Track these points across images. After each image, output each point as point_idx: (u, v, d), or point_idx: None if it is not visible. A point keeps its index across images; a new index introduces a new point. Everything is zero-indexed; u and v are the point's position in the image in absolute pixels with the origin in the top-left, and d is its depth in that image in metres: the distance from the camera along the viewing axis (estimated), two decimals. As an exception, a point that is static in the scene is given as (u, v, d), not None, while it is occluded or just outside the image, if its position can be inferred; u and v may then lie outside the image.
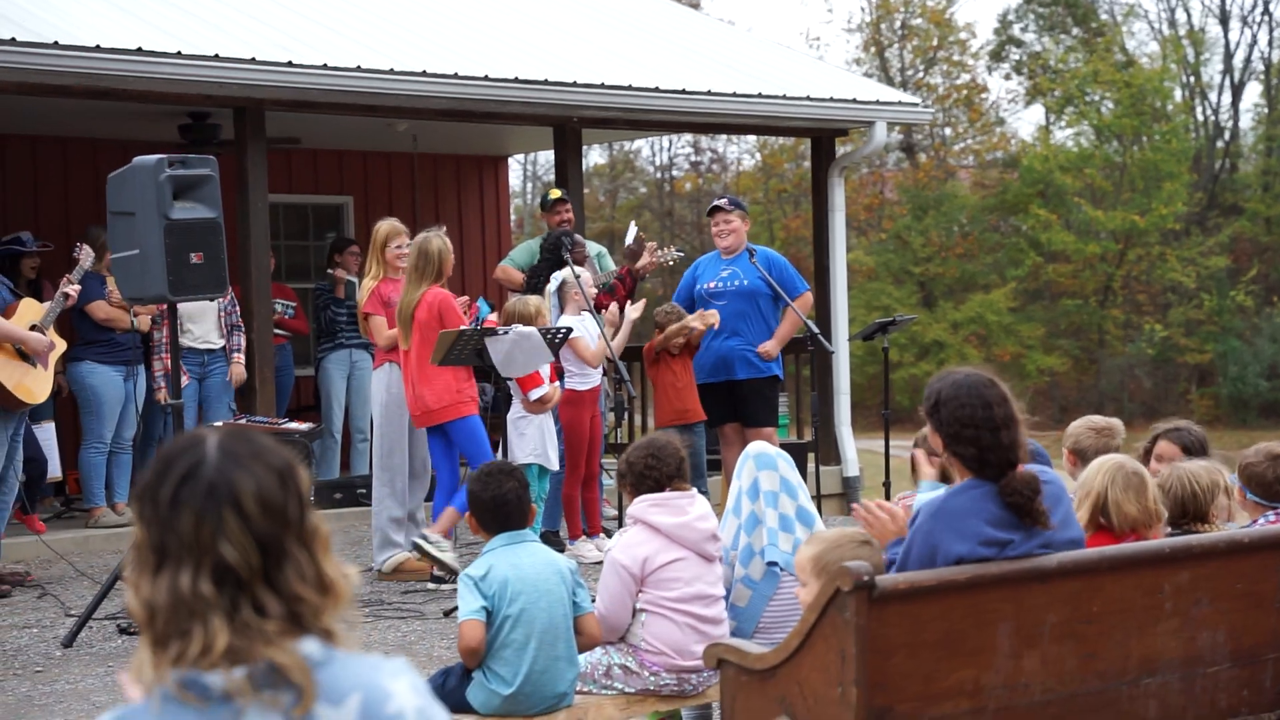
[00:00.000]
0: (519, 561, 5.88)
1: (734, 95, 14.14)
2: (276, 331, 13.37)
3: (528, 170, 42.19)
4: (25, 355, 10.36)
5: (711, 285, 11.62)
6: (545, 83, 13.24)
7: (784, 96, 14.39)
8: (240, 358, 12.43)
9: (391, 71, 12.57)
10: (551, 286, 11.17)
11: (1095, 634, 5.11)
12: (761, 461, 6.47)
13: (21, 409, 10.39)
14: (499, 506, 5.98)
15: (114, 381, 11.98)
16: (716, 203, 11.85)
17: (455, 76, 12.83)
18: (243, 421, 10.00)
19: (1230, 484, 6.20)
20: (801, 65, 16.67)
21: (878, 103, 14.93)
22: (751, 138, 38.97)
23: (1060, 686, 5.06)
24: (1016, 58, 43.00)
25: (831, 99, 14.63)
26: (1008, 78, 44.27)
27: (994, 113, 42.68)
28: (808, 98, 14.50)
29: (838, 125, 15.02)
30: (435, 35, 14.22)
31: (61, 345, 10.92)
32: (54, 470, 12.16)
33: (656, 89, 13.81)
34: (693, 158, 43.94)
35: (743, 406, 11.57)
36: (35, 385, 10.42)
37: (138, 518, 2.48)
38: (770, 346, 11.59)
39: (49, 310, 10.65)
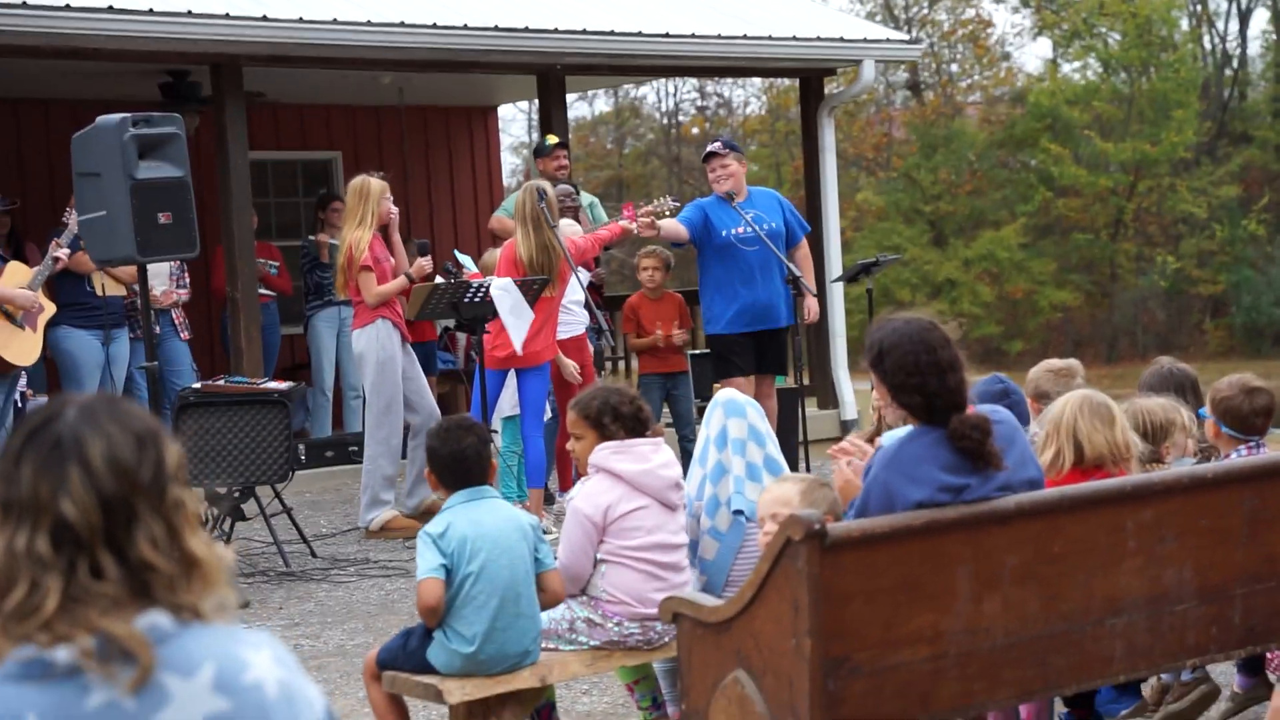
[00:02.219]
0: (479, 518, 5.77)
1: (719, 37, 13.99)
2: (261, 291, 13.26)
3: (532, 120, 41.96)
4: (12, 318, 10.29)
5: (740, 230, 11.08)
6: (526, 30, 13.10)
7: (769, 37, 14.24)
8: (174, 297, 12.28)
9: (369, 23, 12.45)
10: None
11: (1057, 575, 5.00)
12: (730, 409, 6.34)
13: (10, 371, 10.34)
14: (458, 462, 5.86)
15: (91, 345, 11.84)
16: (711, 147, 11.47)
17: (434, 27, 12.69)
18: (221, 382, 9.89)
19: (1188, 422, 6.07)
20: (789, 5, 16.47)
21: (865, 40, 14.76)
22: (757, 80, 38.72)
23: (1023, 629, 4.96)
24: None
25: (818, 39, 14.47)
26: (1015, 11, 43.90)
27: (999, 48, 42.34)
28: (794, 38, 14.34)
29: (825, 65, 14.86)
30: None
31: (50, 308, 10.85)
32: None
33: (640, 33, 13.66)
34: (699, 103, 43.72)
35: (771, 355, 11.22)
36: (23, 348, 10.36)
37: None
38: (815, 304, 11.28)
39: (36, 274, 10.58)
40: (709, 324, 11.22)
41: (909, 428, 4.98)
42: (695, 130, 43.38)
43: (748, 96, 43.01)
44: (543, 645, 5.94)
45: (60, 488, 2.33)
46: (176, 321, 12.47)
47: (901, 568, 4.74)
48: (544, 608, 5.93)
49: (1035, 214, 38.33)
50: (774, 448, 6.31)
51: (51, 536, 2.31)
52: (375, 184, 10.32)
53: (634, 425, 6.08)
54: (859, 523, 4.88)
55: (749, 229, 11.02)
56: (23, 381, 11.06)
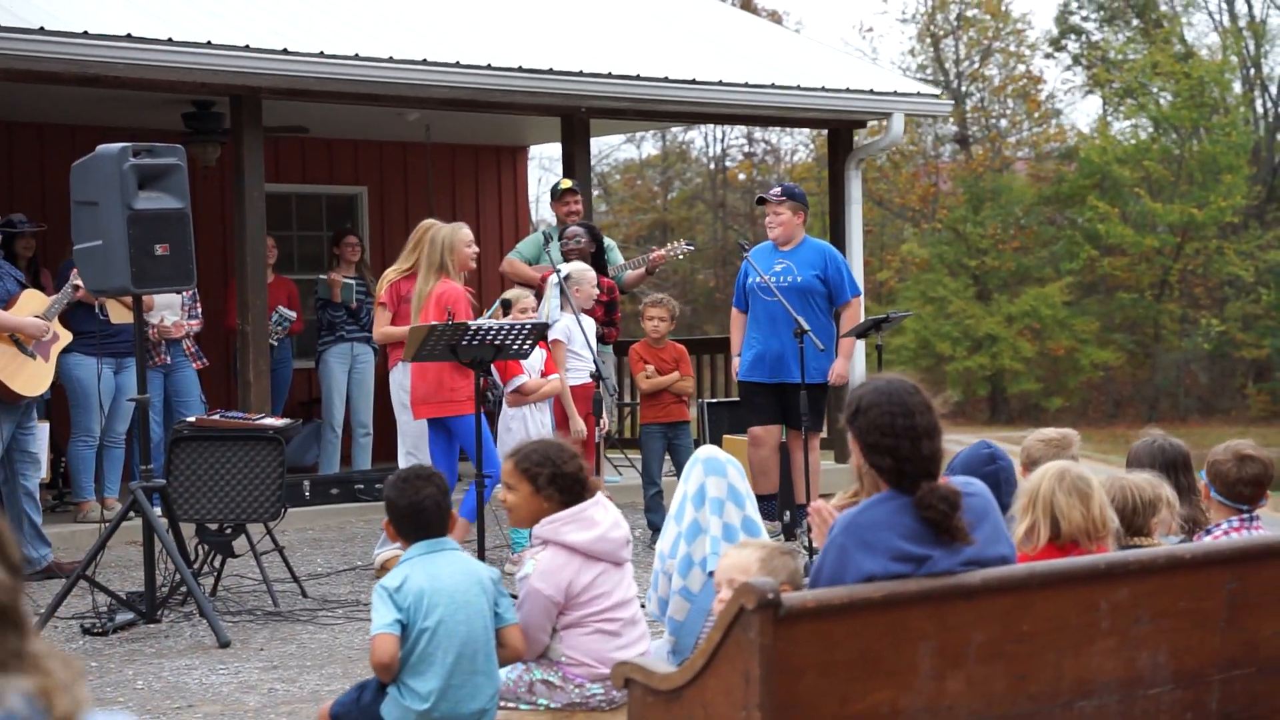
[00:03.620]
0: (437, 571, 5.61)
1: (745, 86, 13.85)
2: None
3: (543, 164, 41.96)
4: (23, 347, 10.20)
5: (764, 279, 11.01)
6: (550, 72, 12.99)
7: (798, 87, 14.09)
8: (185, 328, 12.23)
9: (391, 60, 12.35)
10: (554, 279, 10.95)
11: (1026, 654, 4.81)
12: (710, 466, 6.15)
13: (19, 401, 10.24)
14: (416, 513, 5.71)
15: (101, 374, 11.72)
16: (763, 194, 11.48)
17: (457, 65, 12.59)
18: (216, 417, 9.76)
19: (1173, 499, 5.87)
20: (822, 57, 16.33)
21: (895, 94, 14.59)
22: (806, 129, 38.61)
23: (988, 709, 4.77)
24: (1076, 49, 42.46)
25: (847, 90, 14.31)
26: (1068, 69, 43.75)
27: (1050, 104, 42.17)
28: (822, 88, 14.20)
29: (854, 117, 14.70)
30: (437, 22, 13.99)
31: (66, 337, 10.77)
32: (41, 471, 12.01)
33: (666, 79, 13.53)
34: (746, 148, 43.66)
35: (792, 409, 11.07)
36: (34, 378, 10.27)
37: None
38: (841, 369, 11.18)
39: (53, 302, 10.50)
40: (739, 370, 11.36)
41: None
42: (741, 176, 43.32)
43: (795, 144, 42.92)
44: (500, 704, 5.77)
45: None
46: (188, 351, 12.39)
47: (859, 641, 4.56)
48: (503, 664, 5.76)
49: (1080, 271, 38.08)
50: (753, 509, 6.12)
51: None
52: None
53: (573, 485, 5.87)
54: (815, 593, 4.70)
55: (772, 278, 10.99)
56: None
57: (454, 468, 10.18)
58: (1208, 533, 5.84)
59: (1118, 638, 4.96)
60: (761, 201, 11.42)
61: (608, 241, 12.90)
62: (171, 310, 12.13)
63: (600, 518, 5.84)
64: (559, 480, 5.81)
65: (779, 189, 11.41)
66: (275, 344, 13.40)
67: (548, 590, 5.74)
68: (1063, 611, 4.88)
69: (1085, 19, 42.54)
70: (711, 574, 5.94)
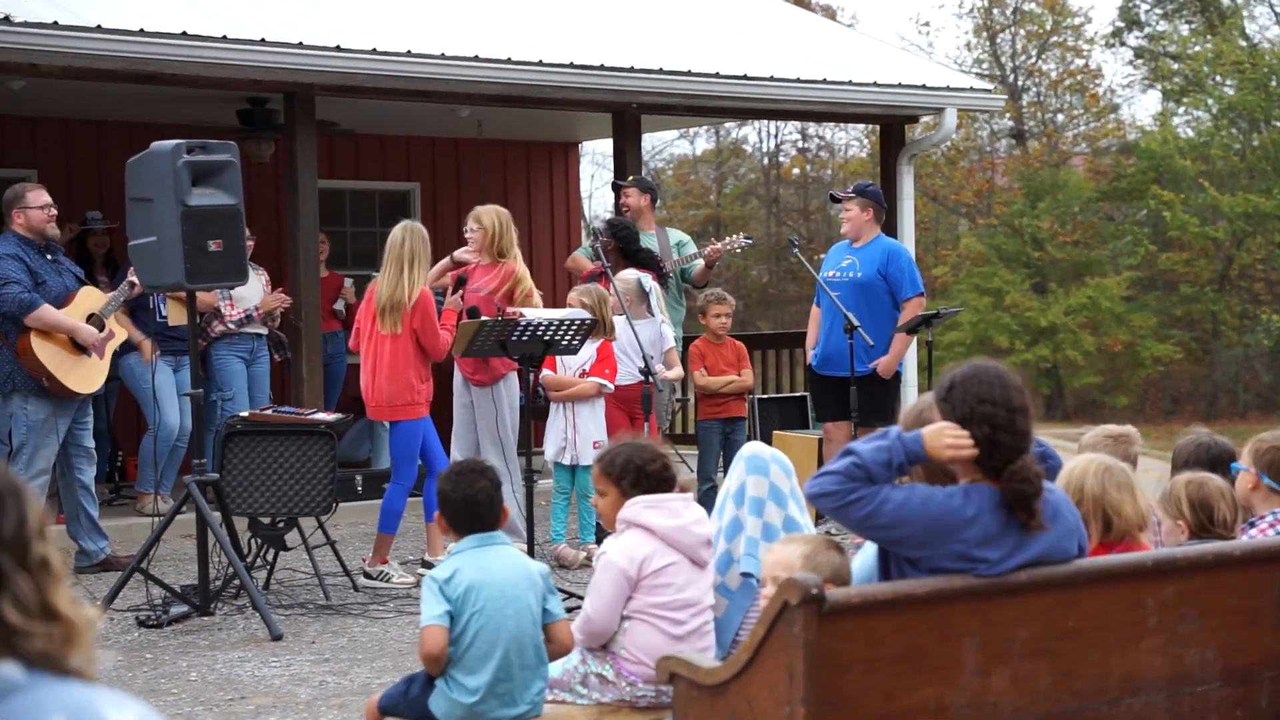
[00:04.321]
0: (488, 565, 5.64)
1: (797, 81, 13.84)
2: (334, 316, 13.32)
3: (597, 159, 41.94)
4: (79, 344, 10.29)
5: (831, 274, 11.30)
6: (601, 68, 13.02)
7: (849, 83, 14.08)
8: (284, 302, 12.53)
9: (443, 56, 12.41)
10: (648, 282, 11.08)
11: (1071, 651, 4.80)
12: (752, 465, 6.14)
13: (74, 398, 10.33)
14: (469, 506, 5.74)
15: (160, 370, 11.82)
16: (835, 192, 11.69)
17: (509, 61, 12.64)
18: (269, 411, 9.84)
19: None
20: (874, 52, 16.31)
21: (948, 89, 14.57)
22: (860, 125, 38.51)
23: (1032, 706, 4.76)
24: (1137, 42, 42.19)
25: (900, 85, 14.29)
26: (1130, 63, 43.49)
27: (1108, 98, 41.92)
28: (874, 83, 14.18)
29: (907, 112, 14.68)
30: (489, 18, 14.03)
31: (122, 335, 10.85)
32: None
33: (717, 74, 13.54)
34: (800, 144, 43.55)
35: (858, 404, 11.08)
36: (87, 375, 10.35)
37: None
38: (886, 364, 11.23)
39: (110, 299, 10.58)
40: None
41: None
42: (795, 171, 43.20)
43: (849, 140, 42.80)
44: (549, 697, 5.79)
45: None
46: (282, 339, 12.66)
47: (904, 637, 4.56)
48: (551, 659, 5.79)
49: (1139, 266, 37.82)
50: (796, 508, 6.08)
51: None
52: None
53: (658, 484, 5.91)
54: (860, 589, 4.72)
55: (837, 273, 11.26)
56: None
57: (414, 469, 10.29)
58: (1252, 524, 5.79)
59: (1165, 635, 4.94)
60: (835, 199, 11.56)
61: (681, 236, 12.89)
62: (255, 297, 12.33)
63: (683, 510, 5.85)
64: (644, 481, 5.83)
65: (853, 187, 11.63)
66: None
67: (622, 563, 5.74)
68: (1109, 609, 4.86)
69: (1149, 11, 42.25)
70: (746, 574, 5.95)
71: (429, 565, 9.93)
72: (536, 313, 9.81)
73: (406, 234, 9.96)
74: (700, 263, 12.63)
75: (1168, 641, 4.95)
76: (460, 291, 10.40)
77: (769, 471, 6.09)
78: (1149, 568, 4.96)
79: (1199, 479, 5.70)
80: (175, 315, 11.69)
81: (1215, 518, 5.59)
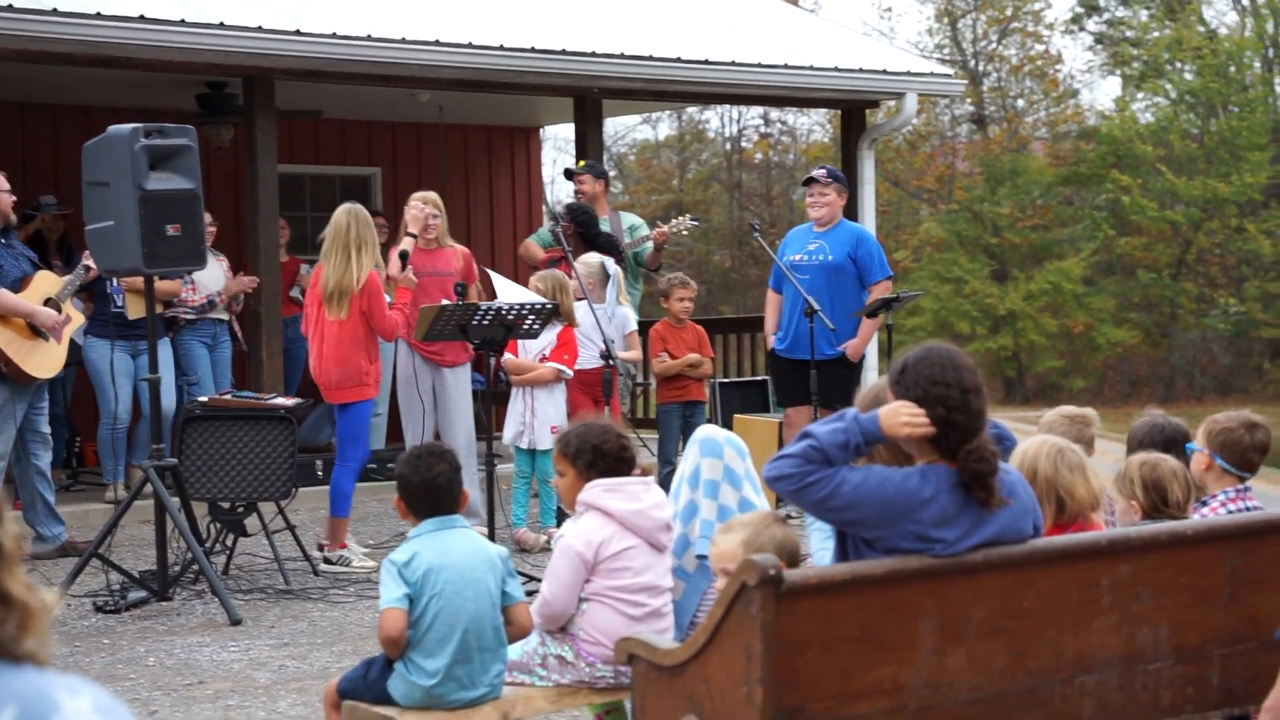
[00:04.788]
0: (447, 548, 5.64)
1: (759, 66, 13.86)
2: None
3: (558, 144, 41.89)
4: (36, 329, 10.25)
5: (797, 258, 11.32)
6: (563, 52, 13.01)
7: (810, 67, 14.11)
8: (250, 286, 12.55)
9: (404, 40, 12.38)
10: (613, 268, 11.12)
11: (1026, 630, 4.84)
12: (706, 448, 6.17)
13: (30, 383, 10.29)
14: (429, 490, 5.74)
15: (118, 358, 11.78)
16: (813, 173, 11.63)
17: (470, 46, 12.62)
18: (228, 396, 9.82)
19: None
20: (836, 37, 16.33)
21: (908, 73, 14.61)
22: (822, 109, 38.54)
23: (988, 685, 4.79)
24: (1097, 27, 42.37)
25: (860, 70, 14.33)
26: (1090, 49, 43.64)
27: (1068, 83, 42.09)
28: (835, 68, 14.21)
29: (867, 97, 14.72)
30: (450, 2, 13.99)
31: (78, 319, 10.80)
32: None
33: (678, 59, 13.55)
34: (762, 129, 43.57)
35: (819, 388, 11.08)
36: (45, 360, 10.31)
37: None
38: (854, 347, 11.29)
39: (66, 283, 10.53)
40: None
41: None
42: (758, 156, 43.24)
43: (812, 124, 42.85)
44: (508, 679, 5.80)
45: None
46: (236, 331, 12.64)
47: (861, 617, 4.58)
48: (511, 641, 5.80)
49: (1098, 250, 38.03)
50: (751, 489, 6.11)
51: None
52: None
53: (616, 464, 5.92)
54: (817, 570, 4.74)
55: (805, 257, 11.27)
56: None
57: (368, 449, 10.35)
58: (1204, 504, 5.84)
59: (1119, 614, 4.99)
60: (809, 182, 11.51)
61: (634, 220, 12.91)
62: (216, 284, 12.30)
63: (643, 494, 5.87)
64: (601, 461, 5.85)
65: (825, 170, 11.61)
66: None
67: (579, 546, 5.76)
68: (1063, 588, 4.90)
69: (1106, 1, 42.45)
70: (701, 557, 5.97)
71: (329, 561, 10.02)
72: (506, 290, 9.87)
73: (351, 219, 9.98)
74: (649, 245, 12.72)
75: (1121, 620, 4.99)
76: (409, 268, 10.45)
77: (723, 454, 6.12)
78: (1103, 547, 5.00)
79: (1152, 460, 5.74)
80: (134, 309, 11.64)
81: (1168, 498, 5.63)
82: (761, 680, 4.43)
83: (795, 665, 4.48)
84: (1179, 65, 39.37)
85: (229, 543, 9.88)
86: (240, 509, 9.68)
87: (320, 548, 10.31)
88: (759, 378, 13.91)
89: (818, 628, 4.51)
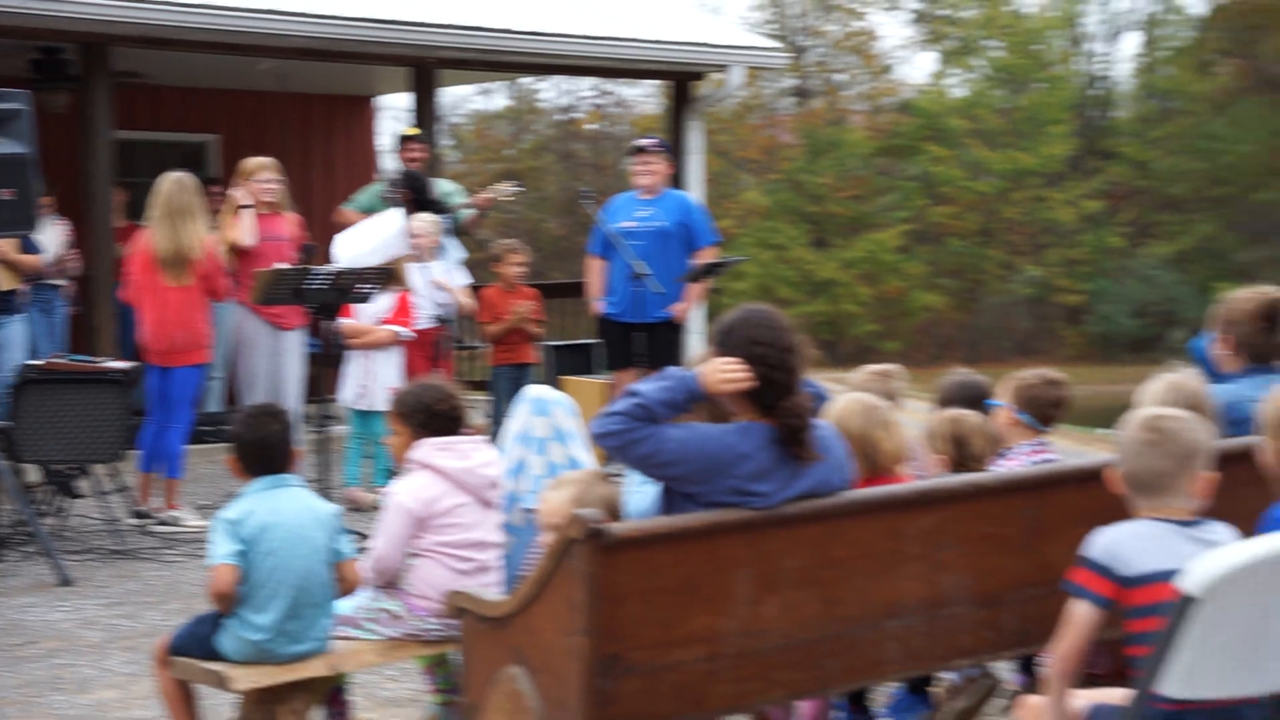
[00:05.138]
0: (279, 506, 5.76)
1: (587, 38, 14.08)
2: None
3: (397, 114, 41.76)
4: None
5: (629, 224, 11.50)
6: (397, 23, 13.11)
7: (637, 40, 14.33)
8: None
9: (241, 9, 12.39)
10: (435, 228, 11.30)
11: (837, 579, 5.04)
12: (536, 407, 6.38)
13: None
14: (263, 449, 5.86)
15: None
16: (640, 142, 11.85)
17: (305, 15, 12.68)
18: (62, 361, 9.83)
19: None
20: (667, 11, 16.55)
21: (733, 47, 14.91)
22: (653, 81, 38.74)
23: (800, 632, 4.98)
24: (916, 8, 43.12)
25: (687, 43, 14.59)
26: (911, 23, 44.36)
27: (886, 59, 42.93)
28: (664, 41, 14.44)
29: (694, 69, 14.98)
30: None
31: None
32: None
33: (509, 30, 13.71)
34: (595, 100, 43.68)
35: (647, 350, 11.38)
36: None
37: None
38: (683, 309, 11.52)
39: None
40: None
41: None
42: (590, 127, 43.37)
43: (644, 96, 43.05)
44: (338, 634, 5.95)
45: None
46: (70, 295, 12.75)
47: (681, 569, 4.74)
48: (341, 596, 5.94)
49: (913, 219, 39.11)
50: (578, 448, 6.33)
51: None
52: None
53: (448, 424, 6.09)
54: (638, 523, 4.90)
55: (636, 223, 11.44)
56: None
57: (192, 412, 10.59)
58: (1002, 456, 6.12)
59: (925, 562, 5.21)
60: (639, 150, 11.69)
61: (449, 186, 13.10)
62: (52, 251, 12.31)
63: (472, 452, 6.04)
64: (434, 421, 6.03)
65: (655, 140, 11.86)
66: None
67: (409, 503, 5.94)
68: (872, 538, 5.11)
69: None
70: (530, 510, 6.17)
71: (142, 515, 10.11)
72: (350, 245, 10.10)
73: (178, 188, 10.09)
74: (469, 211, 12.92)
75: (926, 568, 5.22)
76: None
77: (552, 413, 6.33)
78: (910, 499, 5.25)
79: (956, 415, 6.04)
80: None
81: (971, 451, 5.93)
82: (585, 630, 4.57)
83: (617, 616, 4.62)
84: (991, 44, 40.56)
85: (61, 505, 9.90)
86: (74, 471, 9.71)
87: (140, 514, 10.33)
88: (588, 341, 14.11)
89: (639, 579, 4.66)
